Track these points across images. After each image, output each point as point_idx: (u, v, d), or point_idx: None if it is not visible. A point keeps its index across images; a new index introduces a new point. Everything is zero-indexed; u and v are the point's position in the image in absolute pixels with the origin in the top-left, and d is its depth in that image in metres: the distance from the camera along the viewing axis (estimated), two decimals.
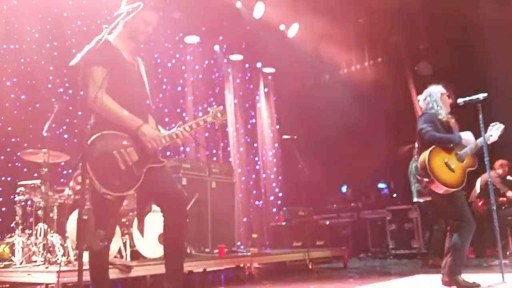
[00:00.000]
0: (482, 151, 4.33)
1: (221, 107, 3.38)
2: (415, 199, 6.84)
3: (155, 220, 5.22)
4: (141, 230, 5.34)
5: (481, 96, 4.33)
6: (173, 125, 3.25)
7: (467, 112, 4.45)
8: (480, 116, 4.32)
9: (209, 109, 3.35)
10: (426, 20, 9.42)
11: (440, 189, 4.10)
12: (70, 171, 6.44)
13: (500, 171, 7.67)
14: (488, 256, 7.59)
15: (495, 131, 4.37)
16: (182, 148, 8.21)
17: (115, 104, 2.94)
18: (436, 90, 4.46)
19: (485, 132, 4.31)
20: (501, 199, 7.42)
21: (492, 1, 8.28)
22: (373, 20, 10.01)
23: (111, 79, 2.94)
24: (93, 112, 2.98)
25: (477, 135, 4.33)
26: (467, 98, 4.38)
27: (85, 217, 2.30)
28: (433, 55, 9.32)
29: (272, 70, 11.06)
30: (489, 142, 4.30)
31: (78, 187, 5.12)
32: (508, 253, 7.09)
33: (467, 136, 4.25)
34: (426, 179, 4.13)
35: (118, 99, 2.96)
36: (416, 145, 4.53)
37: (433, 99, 4.40)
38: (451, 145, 4.23)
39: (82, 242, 2.29)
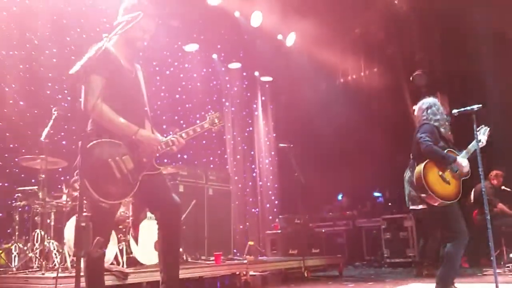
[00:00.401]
0: (476, 160, 4.36)
1: (218, 113, 3.42)
2: (411, 207, 6.87)
3: (151, 227, 5.25)
4: (135, 237, 5.36)
5: (476, 106, 4.33)
6: (171, 132, 3.29)
7: (464, 121, 4.48)
8: (475, 126, 4.34)
9: (206, 115, 3.40)
10: (421, 30, 9.51)
11: (436, 202, 4.14)
12: (67, 177, 6.46)
13: (495, 181, 7.72)
14: (482, 265, 7.62)
15: (482, 135, 4.42)
16: (179, 155, 8.24)
17: (112, 113, 2.98)
18: (437, 101, 4.53)
19: (477, 140, 4.33)
20: (495, 209, 7.47)
21: (487, 11, 8.38)
22: (369, 31, 10.10)
23: (109, 86, 2.99)
24: (91, 119, 3.02)
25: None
26: (462, 109, 4.40)
27: (83, 224, 2.32)
28: (429, 65, 9.40)
29: (269, 78, 11.13)
30: (480, 146, 4.33)
31: (75, 194, 5.14)
32: (502, 263, 7.13)
33: (463, 162, 4.26)
34: (423, 195, 4.16)
35: (115, 106, 3.00)
36: (411, 157, 4.55)
37: (440, 110, 4.45)
38: (443, 163, 4.25)
39: (80, 249, 2.31)
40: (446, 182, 4.18)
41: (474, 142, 4.27)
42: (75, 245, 2.34)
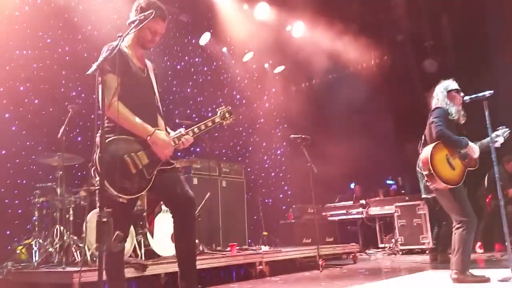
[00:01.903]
0: (488, 147, 4.38)
1: (229, 107, 3.47)
2: (423, 195, 6.89)
3: (168, 219, 5.35)
4: (150, 231, 5.45)
5: (487, 93, 4.33)
6: (183, 126, 3.35)
7: (476, 108, 4.47)
8: (487, 113, 4.33)
9: (217, 109, 3.46)
10: (431, 17, 9.43)
11: (439, 185, 4.19)
12: (84, 173, 6.59)
13: (508, 167, 7.69)
14: (497, 250, 7.63)
15: (500, 137, 4.42)
16: (192, 148, 8.33)
17: (128, 112, 3.05)
18: (442, 89, 4.51)
19: (491, 128, 4.34)
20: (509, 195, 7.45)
21: None
22: (379, 19, 10.05)
23: (123, 85, 3.05)
24: (106, 116, 3.08)
25: (484, 132, 4.37)
26: (473, 96, 4.40)
27: (104, 220, 2.39)
28: (439, 52, 9.34)
29: (279, 69, 11.13)
30: (494, 146, 4.34)
31: (93, 189, 5.24)
32: None
33: (474, 147, 4.29)
34: (425, 172, 4.22)
35: (129, 104, 3.07)
36: (423, 137, 4.58)
37: (440, 100, 4.46)
38: (454, 147, 4.29)
39: (102, 244, 2.38)
40: (451, 167, 4.22)
41: (489, 139, 4.29)
42: (97, 240, 2.42)
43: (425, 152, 4.26)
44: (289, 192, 10.91)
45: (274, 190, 10.84)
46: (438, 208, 6.65)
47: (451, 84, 4.55)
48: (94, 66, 2.60)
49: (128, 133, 3.07)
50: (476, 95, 4.38)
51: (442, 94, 4.48)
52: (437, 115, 4.34)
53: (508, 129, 4.53)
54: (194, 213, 3.28)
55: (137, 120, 3.07)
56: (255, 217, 8.91)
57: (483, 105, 4.33)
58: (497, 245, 7.80)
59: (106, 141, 2.94)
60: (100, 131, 2.84)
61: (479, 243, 7.82)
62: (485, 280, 4.12)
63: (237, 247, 6.36)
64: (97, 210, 2.46)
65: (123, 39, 2.83)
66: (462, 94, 4.49)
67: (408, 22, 9.50)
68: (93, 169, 2.97)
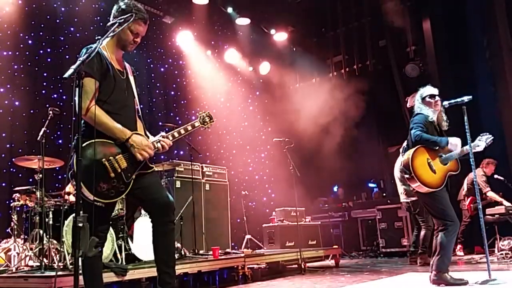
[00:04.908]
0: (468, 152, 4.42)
1: (208, 112, 3.47)
2: (402, 199, 6.96)
3: (148, 223, 5.30)
4: (130, 235, 5.40)
5: (466, 98, 4.39)
6: (166, 129, 3.33)
7: (457, 113, 4.52)
8: (465, 118, 4.39)
9: (197, 114, 3.45)
10: (413, 23, 9.54)
11: (421, 188, 4.25)
12: (64, 176, 6.52)
13: (486, 169, 7.78)
14: (477, 253, 7.73)
15: (483, 142, 4.47)
16: (175, 152, 8.30)
17: (106, 116, 3.01)
18: (418, 98, 4.59)
19: (471, 134, 4.39)
20: (488, 198, 7.53)
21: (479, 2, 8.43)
22: (362, 24, 10.14)
23: (102, 88, 3.02)
24: (84, 120, 3.05)
25: (464, 136, 4.43)
26: (453, 101, 4.45)
27: (80, 225, 2.36)
28: (421, 57, 9.44)
29: (263, 73, 11.16)
30: (474, 151, 4.40)
31: (72, 193, 5.18)
32: (495, 251, 7.21)
33: (455, 141, 4.35)
34: (406, 176, 4.29)
35: (107, 107, 3.03)
36: (405, 143, 4.64)
37: (417, 106, 4.54)
38: (436, 147, 4.36)
39: (77, 249, 2.35)
40: (432, 170, 4.28)
41: (468, 146, 4.34)
42: (72, 246, 2.39)
43: (407, 156, 4.32)
44: (272, 195, 10.93)
45: (257, 193, 10.85)
46: (418, 212, 6.75)
47: (426, 90, 4.61)
48: (71, 69, 2.58)
49: (106, 137, 3.03)
50: (455, 100, 4.42)
51: (418, 102, 4.57)
52: (415, 121, 4.43)
53: (491, 136, 4.58)
54: (173, 218, 3.25)
55: (115, 123, 3.04)
56: (239, 220, 8.91)
57: (462, 110, 4.39)
58: (477, 248, 7.90)
59: (84, 144, 2.91)
60: (77, 135, 2.81)
61: (459, 246, 7.91)
62: (464, 282, 4.17)
63: (220, 251, 6.34)
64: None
65: (101, 42, 2.82)
66: (437, 98, 4.54)
67: (391, 28, 9.58)
68: (70, 173, 2.93)
